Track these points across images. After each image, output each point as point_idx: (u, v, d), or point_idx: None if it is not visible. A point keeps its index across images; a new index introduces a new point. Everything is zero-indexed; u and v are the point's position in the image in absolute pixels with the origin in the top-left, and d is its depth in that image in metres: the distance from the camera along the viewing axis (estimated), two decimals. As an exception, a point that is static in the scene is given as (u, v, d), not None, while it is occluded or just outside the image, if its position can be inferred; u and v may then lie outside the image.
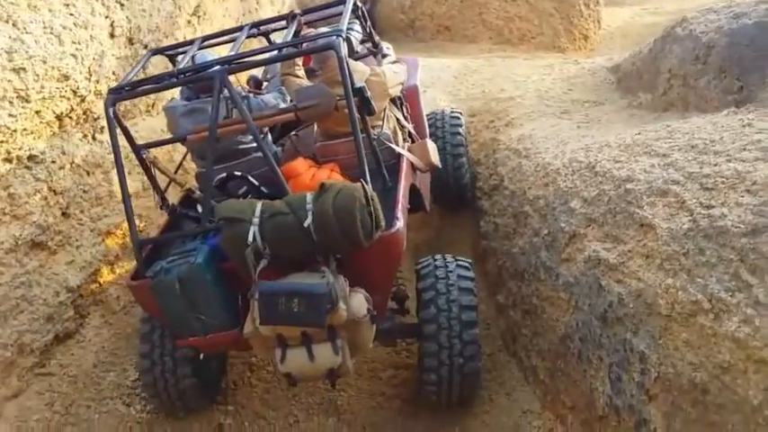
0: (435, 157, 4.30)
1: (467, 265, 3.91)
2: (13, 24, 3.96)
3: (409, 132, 4.47)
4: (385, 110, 3.94)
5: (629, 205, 3.21)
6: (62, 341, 4.34)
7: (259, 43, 5.92)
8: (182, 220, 3.90)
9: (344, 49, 3.23)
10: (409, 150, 4.11)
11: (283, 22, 4.11)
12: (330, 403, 4.31)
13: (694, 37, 4.73)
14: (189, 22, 6.06)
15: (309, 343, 2.96)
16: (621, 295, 2.95)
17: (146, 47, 5.31)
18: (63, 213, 4.52)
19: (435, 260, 3.89)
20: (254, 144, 3.57)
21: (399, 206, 3.38)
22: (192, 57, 3.76)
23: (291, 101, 3.78)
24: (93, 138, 4.96)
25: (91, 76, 4.69)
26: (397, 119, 4.22)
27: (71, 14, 4.48)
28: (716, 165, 2.95)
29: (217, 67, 3.24)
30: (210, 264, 3.14)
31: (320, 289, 2.83)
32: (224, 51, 4.04)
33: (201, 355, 3.76)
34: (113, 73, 4.95)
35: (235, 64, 3.39)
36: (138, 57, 5.22)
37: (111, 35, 4.93)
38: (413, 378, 4.46)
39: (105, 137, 5.05)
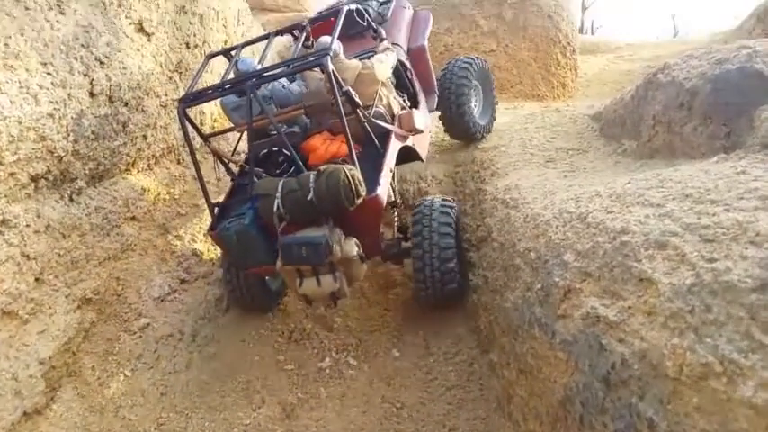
0: (420, 124, 5.51)
1: (448, 201, 5.48)
2: (-13, 85, 3.85)
3: (411, 97, 6.01)
4: (377, 92, 5.12)
5: (626, 258, 3.08)
6: (30, 418, 4.07)
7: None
8: (241, 187, 5.12)
9: (331, 66, 4.38)
10: (399, 118, 5.32)
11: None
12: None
13: (677, 83, 4.71)
14: (170, 78, 5.99)
15: (318, 274, 4.36)
16: (624, 356, 2.78)
17: (126, 104, 5.22)
18: (36, 279, 4.33)
19: (425, 200, 5.48)
20: (287, 124, 5.09)
21: (382, 173, 4.69)
22: (236, 62, 5.05)
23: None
24: (71, 199, 4.81)
25: (69, 135, 4.57)
26: (392, 95, 5.44)
27: (48, 74, 4.39)
28: (714, 215, 2.83)
29: (249, 82, 4.52)
30: (254, 223, 4.56)
31: (320, 240, 4.23)
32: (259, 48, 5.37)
33: (267, 277, 5.47)
34: (92, 132, 4.82)
35: (260, 78, 4.60)
36: (117, 115, 5.13)
37: (91, 94, 4.83)
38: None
39: (83, 198, 4.91)
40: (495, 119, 7.31)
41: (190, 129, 4.89)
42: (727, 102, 4.17)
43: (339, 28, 4.89)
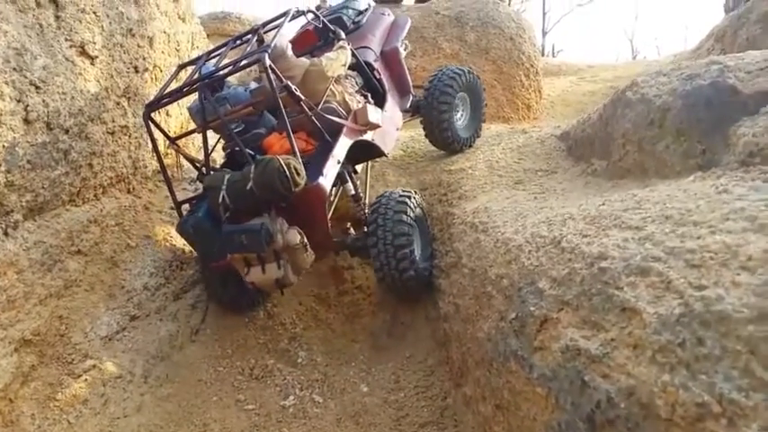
0: (374, 118, 5.51)
1: (408, 191, 5.65)
2: None
3: (380, 96, 6.20)
4: (328, 88, 5.32)
5: (606, 286, 2.86)
6: (-43, 480, 3.66)
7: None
8: None
9: (268, 62, 4.58)
10: (354, 113, 5.43)
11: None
12: None
13: (647, 100, 4.57)
14: (118, 103, 5.65)
15: (263, 262, 4.58)
16: (610, 393, 2.54)
17: (67, 131, 4.86)
18: (-35, 322, 3.92)
19: (385, 193, 5.63)
20: (252, 125, 5.45)
21: (326, 165, 4.86)
22: (199, 68, 5.26)
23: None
24: (6, 234, 4.40)
25: (0, 165, 4.20)
26: (348, 92, 5.57)
27: (-27, 99, 4.03)
28: (699, 237, 2.64)
29: (200, 83, 4.88)
30: (207, 216, 4.76)
31: (257, 227, 4.41)
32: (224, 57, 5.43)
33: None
34: (29, 161, 4.46)
35: (210, 79, 4.92)
36: (57, 143, 4.77)
37: (26, 120, 4.46)
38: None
39: (20, 232, 4.52)
40: (479, 135, 7.37)
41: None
42: (699, 118, 4.02)
43: (285, 28, 5.23)
